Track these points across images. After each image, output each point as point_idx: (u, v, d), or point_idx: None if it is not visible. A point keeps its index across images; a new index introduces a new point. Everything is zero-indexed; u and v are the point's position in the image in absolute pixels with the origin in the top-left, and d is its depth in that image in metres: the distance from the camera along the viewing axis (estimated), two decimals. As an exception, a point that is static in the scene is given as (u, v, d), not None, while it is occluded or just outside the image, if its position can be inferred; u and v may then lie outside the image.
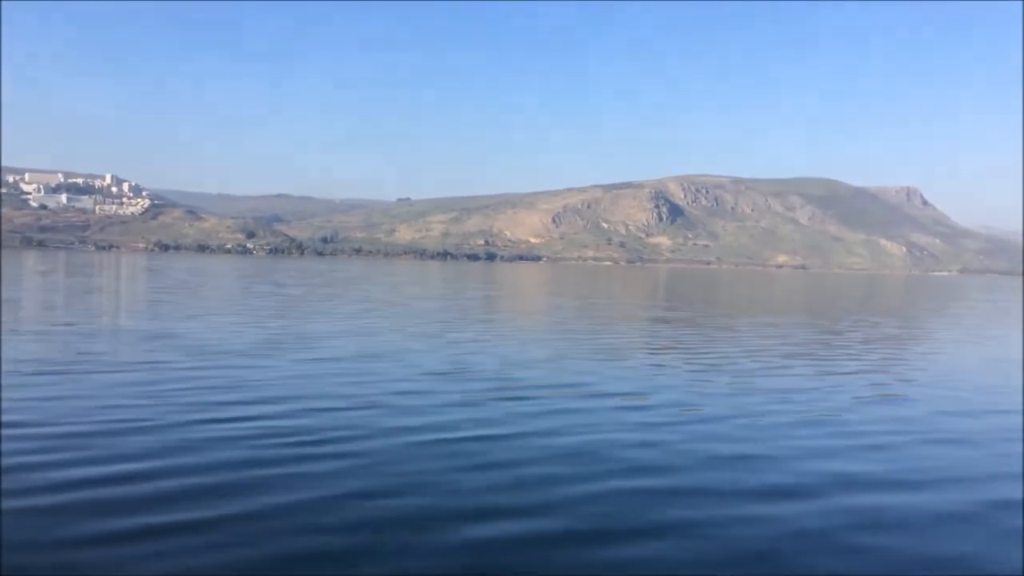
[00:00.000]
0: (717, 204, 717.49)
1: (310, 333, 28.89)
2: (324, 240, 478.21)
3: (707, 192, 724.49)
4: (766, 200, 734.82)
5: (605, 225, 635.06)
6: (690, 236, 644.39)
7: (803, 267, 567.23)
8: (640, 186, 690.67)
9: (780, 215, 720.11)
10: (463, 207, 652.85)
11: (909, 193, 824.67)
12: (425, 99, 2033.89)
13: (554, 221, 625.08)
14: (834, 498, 10.80)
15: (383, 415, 14.77)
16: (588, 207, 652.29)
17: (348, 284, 78.33)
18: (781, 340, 32.74)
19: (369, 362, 21.74)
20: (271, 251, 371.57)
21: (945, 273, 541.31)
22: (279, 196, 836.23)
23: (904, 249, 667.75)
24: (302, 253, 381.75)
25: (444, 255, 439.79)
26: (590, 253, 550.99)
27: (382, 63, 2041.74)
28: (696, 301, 70.94)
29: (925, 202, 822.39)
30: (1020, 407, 18.09)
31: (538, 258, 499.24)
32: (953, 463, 12.88)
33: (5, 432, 12.27)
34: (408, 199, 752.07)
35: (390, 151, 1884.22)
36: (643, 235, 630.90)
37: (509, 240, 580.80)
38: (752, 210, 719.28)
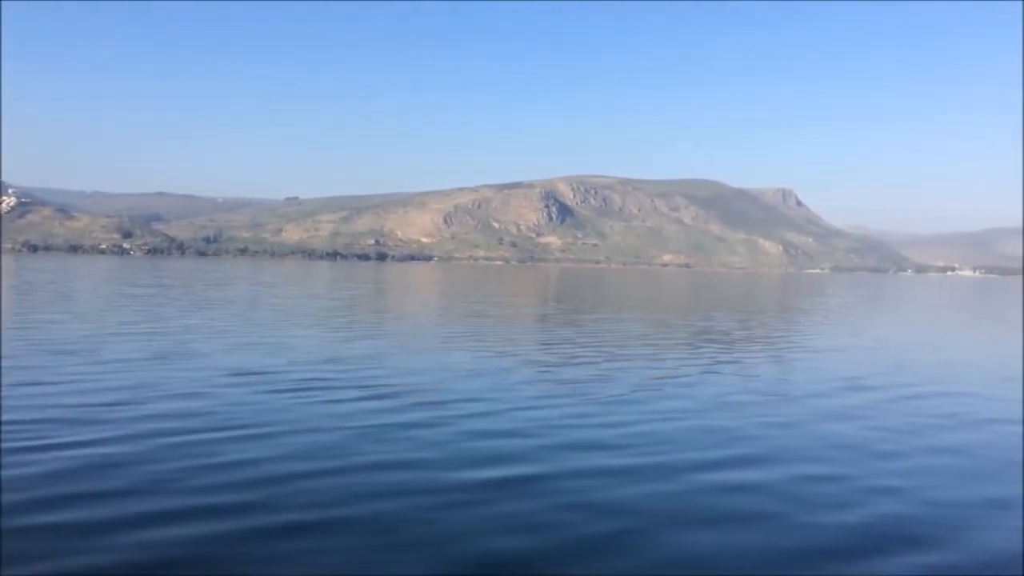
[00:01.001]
0: (605, 204, 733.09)
1: (128, 333, 28.27)
2: (207, 240, 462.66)
3: (596, 192, 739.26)
4: (652, 201, 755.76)
5: (496, 225, 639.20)
6: (579, 236, 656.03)
7: (687, 266, 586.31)
8: (530, 186, 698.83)
9: (665, 215, 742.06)
10: (353, 206, 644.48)
11: (785, 194, 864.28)
12: (315, 97, 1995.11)
13: (445, 221, 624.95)
14: (560, 461, 12.01)
15: (129, 411, 14.73)
16: (479, 207, 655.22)
17: (214, 285, 76.46)
18: (616, 335, 34.19)
19: (171, 361, 21.28)
20: (150, 251, 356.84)
21: (818, 271, 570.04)
22: (159, 194, 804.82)
23: (780, 248, 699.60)
24: (183, 254, 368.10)
25: (333, 255, 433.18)
26: (481, 253, 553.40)
27: (268, 61, 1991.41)
28: (565, 299, 72.75)
29: (800, 203, 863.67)
30: (794, 393, 19.77)
31: (430, 258, 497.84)
32: (677, 437, 14.01)
33: None
34: (296, 198, 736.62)
35: (278, 149, 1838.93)
36: (534, 235, 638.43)
37: (400, 240, 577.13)
38: (639, 210, 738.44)
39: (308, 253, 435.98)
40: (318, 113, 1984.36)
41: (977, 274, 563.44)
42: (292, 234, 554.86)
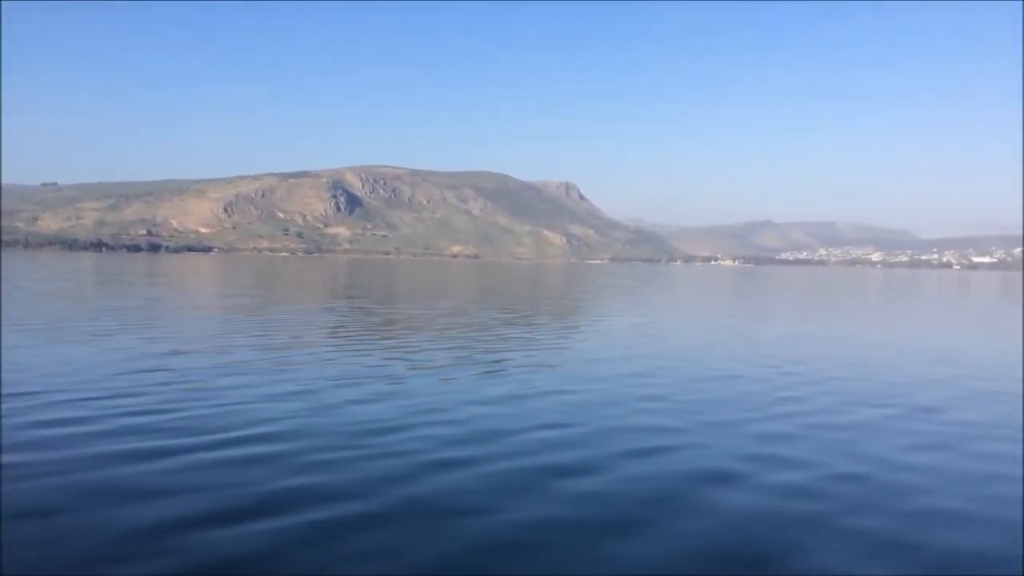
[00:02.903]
0: (395, 195, 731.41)
1: None
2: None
3: (385, 183, 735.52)
4: (442, 192, 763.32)
5: (281, 215, 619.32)
6: (369, 227, 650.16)
7: (476, 256, 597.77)
8: (317, 176, 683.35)
9: (455, 207, 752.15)
10: (121, 193, 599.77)
11: (568, 188, 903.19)
12: (76, 73, 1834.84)
13: (226, 210, 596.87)
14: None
15: None
16: (263, 196, 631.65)
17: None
18: (314, 325, 33.51)
19: None
20: None
21: (598, 261, 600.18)
22: None
23: (564, 239, 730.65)
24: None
25: (99, 246, 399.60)
26: (266, 244, 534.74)
27: (21, 27, 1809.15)
28: (297, 287, 71.13)
29: (582, 196, 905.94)
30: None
31: (209, 249, 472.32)
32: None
33: None
34: (54, 183, 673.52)
35: (32, 128, 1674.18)
36: (321, 225, 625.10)
37: (176, 230, 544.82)
38: (428, 201, 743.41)
39: (69, 244, 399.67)
40: (79, 91, 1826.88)
41: (736, 263, 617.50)
42: (50, 223, 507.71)
